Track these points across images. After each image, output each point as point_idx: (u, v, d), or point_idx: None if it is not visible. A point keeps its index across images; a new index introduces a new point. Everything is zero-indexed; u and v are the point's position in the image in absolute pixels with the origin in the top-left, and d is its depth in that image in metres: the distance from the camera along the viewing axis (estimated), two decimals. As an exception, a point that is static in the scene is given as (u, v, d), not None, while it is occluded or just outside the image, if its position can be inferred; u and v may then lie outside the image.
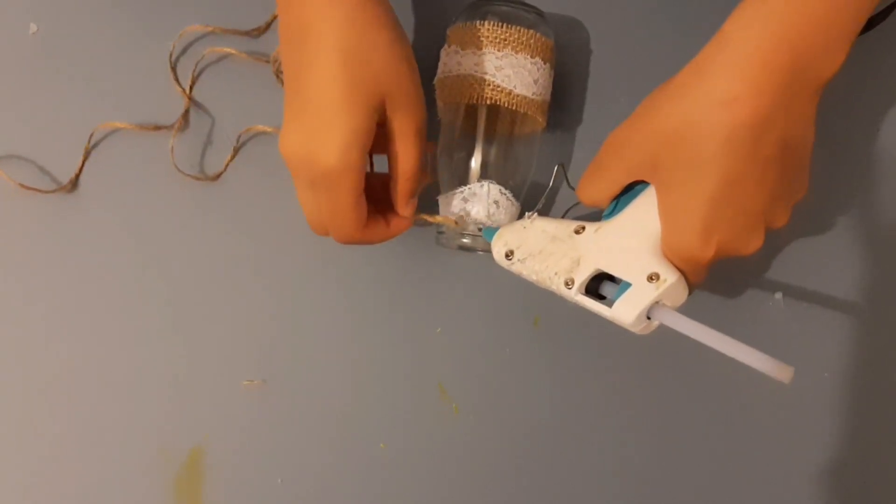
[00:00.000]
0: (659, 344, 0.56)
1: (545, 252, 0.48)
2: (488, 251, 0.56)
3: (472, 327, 0.57)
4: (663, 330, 0.55)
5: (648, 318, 0.44)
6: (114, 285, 0.57)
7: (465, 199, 0.53)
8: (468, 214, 0.53)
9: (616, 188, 0.49)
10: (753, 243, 0.45)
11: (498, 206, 0.54)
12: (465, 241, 0.55)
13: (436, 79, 0.55)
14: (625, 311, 0.44)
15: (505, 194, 0.54)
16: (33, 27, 0.60)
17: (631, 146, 0.47)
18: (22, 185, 0.57)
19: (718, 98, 0.42)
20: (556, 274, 0.47)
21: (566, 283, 0.46)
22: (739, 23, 0.43)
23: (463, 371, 0.56)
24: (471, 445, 0.55)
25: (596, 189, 0.49)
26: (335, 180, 0.46)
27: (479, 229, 0.54)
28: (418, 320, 0.57)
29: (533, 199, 0.57)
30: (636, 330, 0.45)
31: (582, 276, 0.46)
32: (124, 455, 0.55)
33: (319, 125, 0.46)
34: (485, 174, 0.54)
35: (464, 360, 0.56)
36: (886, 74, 0.58)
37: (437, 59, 0.55)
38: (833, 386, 0.55)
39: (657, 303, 0.44)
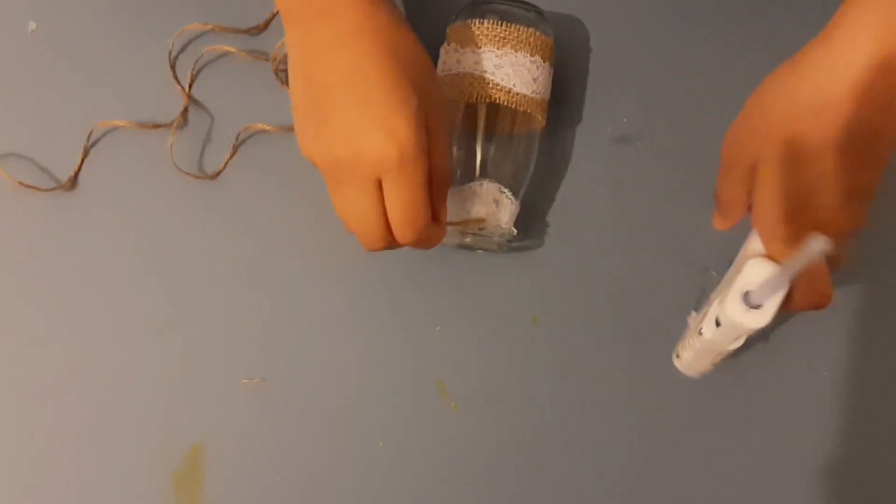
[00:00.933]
0: (657, 343, 0.56)
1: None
2: (488, 250, 0.56)
3: (472, 326, 0.56)
4: (661, 330, 0.55)
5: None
6: (113, 283, 0.57)
7: (464, 198, 0.53)
8: (468, 213, 0.53)
9: (742, 188, 0.47)
10: (859, 220, 0.46)
11: (497, 205, 0.53)
12: (465, 239, 0.55)
13: (435, 77, 0.55)
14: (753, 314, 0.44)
15: (504, 193, 0.54)
16: (32, 25, 0.60)
17: (745, 142, 0.46)
18: (21, 183, 0.57)
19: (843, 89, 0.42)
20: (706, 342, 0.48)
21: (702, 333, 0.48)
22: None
23: (462, 370, 0.56)
24: (470, 444, 0.55)
25: (727, 196, 0.49)
26: (411, 162, 0.45)
27: (480, 228, 0.53)
28: (418, 319, 0.57)
29: (531, 198, 0.56)
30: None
31: (708, 317, 0.48)
32: (124, 453, 0.55)
33: (386, 112, 0.45)
34: (484, 173, 0.54)
35: (463, 359, 0.56)
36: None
37: (437, 57, 0.55)
38: (833, 386, 0.55)
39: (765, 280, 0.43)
